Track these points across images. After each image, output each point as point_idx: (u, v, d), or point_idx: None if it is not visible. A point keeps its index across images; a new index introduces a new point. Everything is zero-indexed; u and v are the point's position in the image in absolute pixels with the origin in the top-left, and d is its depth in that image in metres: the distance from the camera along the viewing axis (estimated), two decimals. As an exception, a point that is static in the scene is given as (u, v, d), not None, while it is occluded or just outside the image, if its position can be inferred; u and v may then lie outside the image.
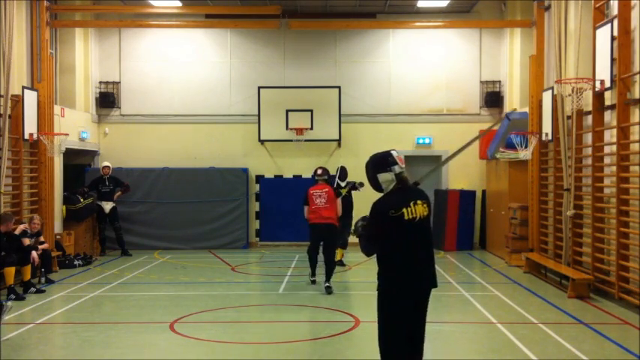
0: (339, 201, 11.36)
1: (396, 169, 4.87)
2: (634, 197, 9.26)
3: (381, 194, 4.97)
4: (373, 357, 7.21)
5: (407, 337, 4.90)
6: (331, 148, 16.68)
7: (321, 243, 11.07)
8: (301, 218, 16.30)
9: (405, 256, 4.80)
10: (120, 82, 16.73)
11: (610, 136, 10.20)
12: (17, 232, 10.62)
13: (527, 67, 13.87)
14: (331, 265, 10.86)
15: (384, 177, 4.88)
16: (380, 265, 4.87)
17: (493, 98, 16.38)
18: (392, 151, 4.97)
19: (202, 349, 7.42)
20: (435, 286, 4.99)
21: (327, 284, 10.64)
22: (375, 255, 4.92)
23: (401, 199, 4.83)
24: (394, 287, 4.80)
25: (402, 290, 4.81)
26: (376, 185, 4.96)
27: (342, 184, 13.43)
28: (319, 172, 11.43)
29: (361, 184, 12.97)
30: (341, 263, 13.27)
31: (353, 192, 13.03)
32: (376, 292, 4.89)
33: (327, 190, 11.09)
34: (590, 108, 10.66)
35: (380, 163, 4.90)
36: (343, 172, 13.53)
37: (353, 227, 5.14)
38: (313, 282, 11.34)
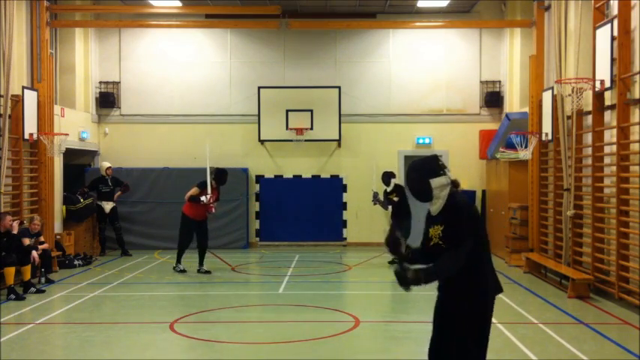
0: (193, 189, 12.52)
1: (447, 172, 4.46)
2: (634, 197, 9.26)
3: (429, 202, 4.47)
4: (373, 357, 7.23)
5: None
6: (331, 148, 16.68)
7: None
8: (301, 218, 16.50)
9: (489, 257, 4.52)
10: (120, 82, 16.72)
11: (610, 136, 10.20)
12: (14, 230, 10.59)
13: (527, 67, 13.87)
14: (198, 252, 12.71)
15: (439, 181, 4.39)
16: (472, 271, 4.43)
17: (493, 98, 16.37)
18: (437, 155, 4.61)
19: (202, 349, 7.41)
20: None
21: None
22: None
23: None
24: (491, 292, 4.53)
25: (494, 295, 4.57)
26: (424, 192, 4.42)
27: (389, 189, 13.50)
28: None
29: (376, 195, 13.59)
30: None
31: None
32: (464, 301, 4.55)
33: None
34: (590, 108, 10.66)
35: (432, 167, 4.43)
36: (385, 177, 13.52)
37: (403, 279, 4.39)
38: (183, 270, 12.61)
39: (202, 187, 12.34)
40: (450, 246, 4.35)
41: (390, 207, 13.35)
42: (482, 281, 4.48)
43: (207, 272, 12.54)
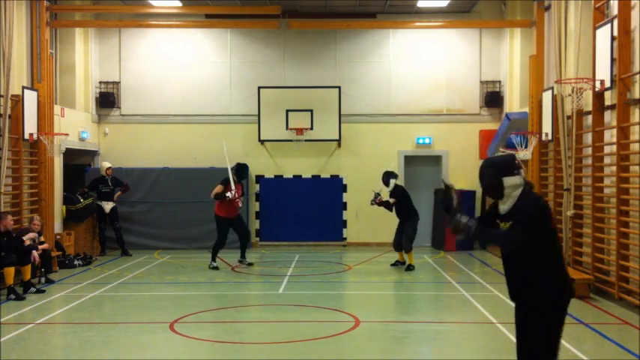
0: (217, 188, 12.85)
1: (522, 172, 4.50)
2: (634, 197, 9.26)
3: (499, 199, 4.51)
4: (373, 357, 7.23)
5: None
6: (331, 148, 16.68)
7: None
8: (301, 218, 16.48)
9: (561, 259, 4.56)
10: (120, 82, 16.72)
11: (610, 136, 10.20)
12: (26, 242, 10.63)
13: (527, 67, 13.87)
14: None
15: (512, 181, 4.43)
16: (542, 271, 4.42)
17: (493, 98, 16.37)
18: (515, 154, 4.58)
19: (202, 349, 7.42)
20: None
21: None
22: (527, 262, 4.45)
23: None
24: (563, 294, 4.44)
25: (567, 297, 4.47)
26: (496, 190, 4.47)
27: (389, 189, 13.03)
28: None
29: (378, 195, 13.10)
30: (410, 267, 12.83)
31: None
32: (534, 304, 4.44)
33: None
34: (590, 108, 10.66)
35: (506, 166, 4.48)
36: (385, 177, 13.07)
37: (458, 223, 4.50)
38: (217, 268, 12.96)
39: (225, 183, 12.79)
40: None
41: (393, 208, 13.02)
42: (553, 282, 4.50)
43: (250, 264, 13.25)
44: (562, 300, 4.47)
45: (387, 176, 13.07)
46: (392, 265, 13.24)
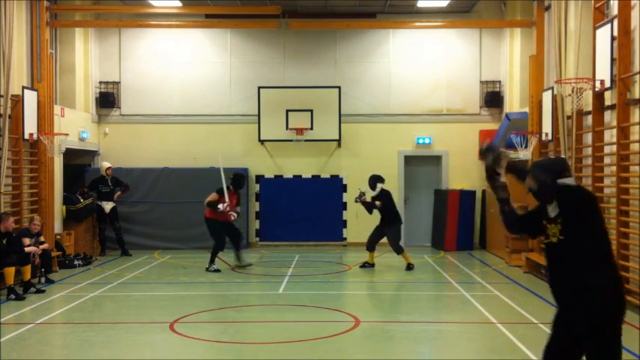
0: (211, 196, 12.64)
1: (572, 174, 4.51)
2: (634, 197, 9.26)
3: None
4: (373, 357, 7.23)
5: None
6: (331, 148, 16.68)
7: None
8: (301, 218, 16.48)
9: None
10: (120, 82, 16.72)
11: (610, 136, 10.20)
12: (27, 249, 10.65)
13: (527, 67, 13.87)
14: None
15: (567, 182, 4.39)
16: (593, 260, 4.37)
17: (493, 98, 16.37)
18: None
19: (202, 349, 7.42)
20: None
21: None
22: (576, 251, 4.34)
23: None
24: (616, 284, 4.52)
25: (621, 286, 4.51)
26: (550, 193, 4.39)
27: (374, 194, 12.96)
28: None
29: (363, 194, 13.04)
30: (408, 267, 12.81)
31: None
32: (586, 297, 4.42)
33: None
34: (590, 108, 10.66)
35: (562, 168, 4.44)
36: (371, 181, 13.02)
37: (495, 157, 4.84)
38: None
39: (220, 193, 12.58)
40: (571, 236, 4.30)
41: (375, 211, 12.95)
42: (607, 272, 4.62)
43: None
44: (617, 287, 4.48)
45: (374, 180, 13.02)
46: (361, 266, 13.13)
